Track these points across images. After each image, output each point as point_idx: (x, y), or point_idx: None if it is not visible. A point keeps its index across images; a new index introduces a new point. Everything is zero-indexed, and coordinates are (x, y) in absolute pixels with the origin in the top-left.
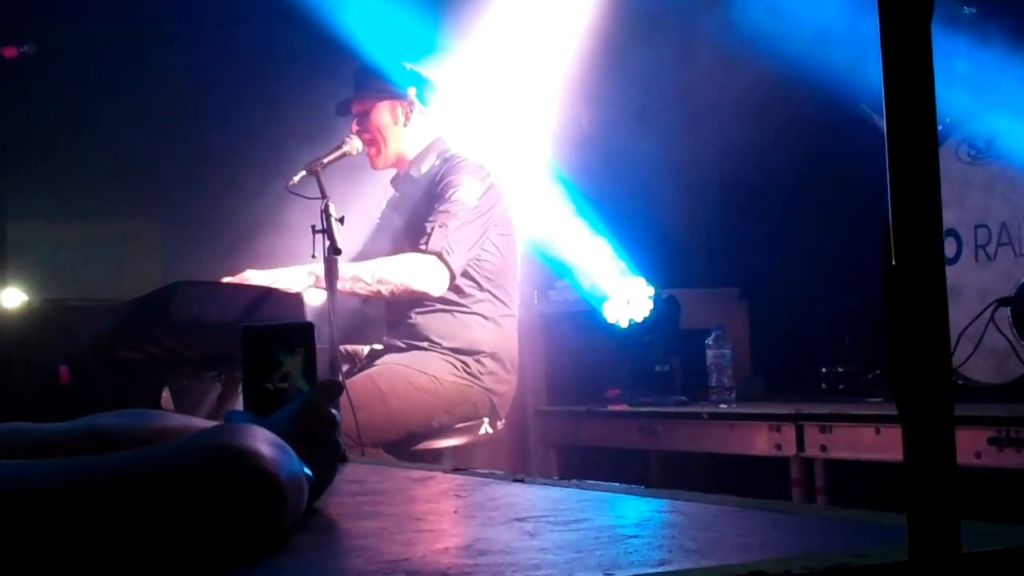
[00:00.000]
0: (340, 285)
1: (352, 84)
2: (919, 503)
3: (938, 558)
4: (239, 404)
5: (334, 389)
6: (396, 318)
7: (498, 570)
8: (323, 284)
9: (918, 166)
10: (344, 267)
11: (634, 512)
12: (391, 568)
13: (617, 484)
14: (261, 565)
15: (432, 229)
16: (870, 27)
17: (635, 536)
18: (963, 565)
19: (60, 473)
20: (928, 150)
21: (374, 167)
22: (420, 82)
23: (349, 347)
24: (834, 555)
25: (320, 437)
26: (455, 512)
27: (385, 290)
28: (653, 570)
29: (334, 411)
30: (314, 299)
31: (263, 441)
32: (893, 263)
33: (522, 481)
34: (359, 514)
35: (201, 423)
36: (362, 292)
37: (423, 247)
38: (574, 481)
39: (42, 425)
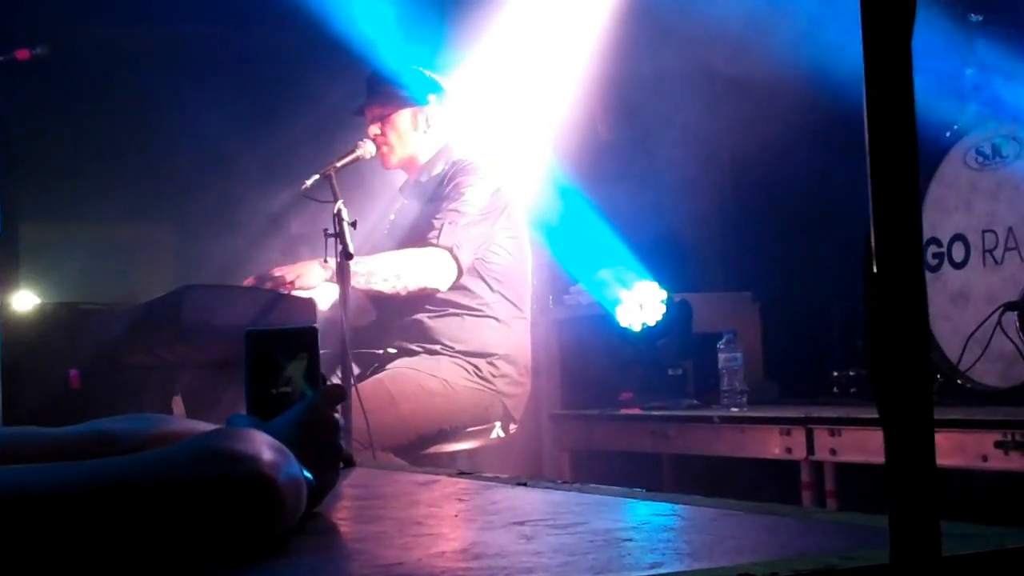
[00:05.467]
0: (356, 281)
1: (366, 88)
2: (900, 506)
3: (918, 560)
4: (243, 408)
5: (337, 394)
6: (409, 322)
7: (491, 573)
8: (336, 280)
9: (897, 176)
10: (358, 262)
11: (633, 516)
12: (386, 572)
13: (617, 487)
14: (258, 568)
15: (441, 225)
16: None
17: (630, 539)
18: (943, 567)
19: (58, 478)
20: (907, 160)
21: (386, 167)
22: (436, 88)
23: (363, 350)
24: (821, 557)
25: (322, 441)
26: (455, 516)
27: (400, 285)
28: (644, 573)
29: (337, 416)
30: (325, 302)
31: (261, 444)
32: (874, 270)
33: (525, 485)
34: (360, 518)
35: (206, 427)
36: (378, 287)
37: (434, 241)
38: (576, 485)
39: (48, 429)
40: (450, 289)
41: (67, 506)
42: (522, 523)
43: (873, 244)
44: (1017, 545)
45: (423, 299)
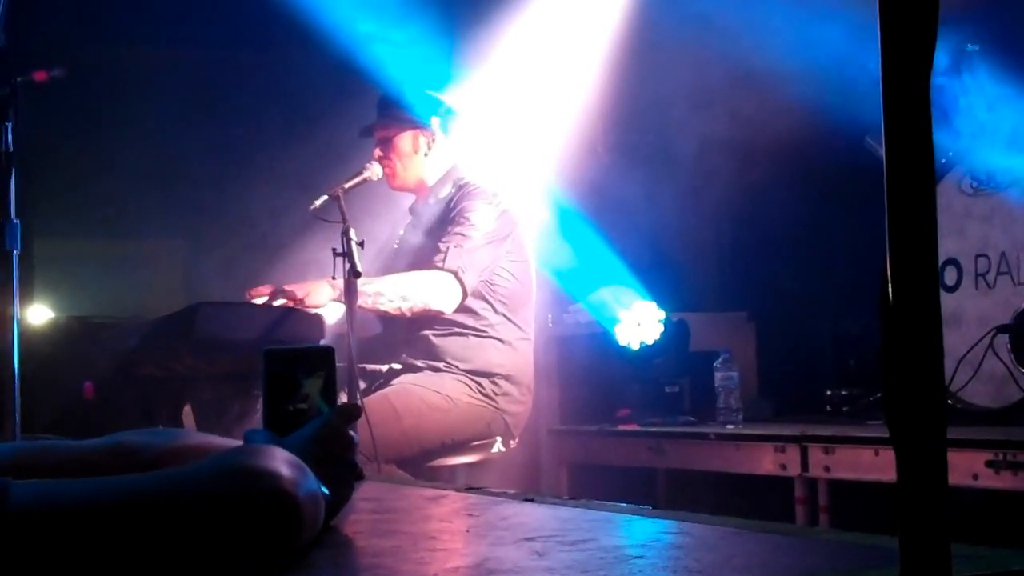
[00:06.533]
0: (363, 301)
1: (376, 109)
2: (911, 528)
3: None
4: (257, 422)
5: (353, 412)
6: (414, 338)
7: None
8: (344, 299)
9: (915, 207)
10: (366, 283)
11: (641, 533)
12: None
13: (625, 505)
14: None
15: (448, 248)
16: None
17: (640, 557)
18: None
19: (86, 493)
20: (925, 191)
21: (391, 187)
22: (443, 111)
23: (369, 366)
24: None
25: (338, 457)
26: (467, 531)
27: (405, 307)
28: None
29: (352, 433)
30: (332, 317)
31: (282, 461)
32: (890, 301)
33: (533, 501)
34: (374, 532)
35: (222, 441)
36: (384, 308)
37: (440, 264)
38: (583, 501)
39: (70, 441)
40: (456, 310)
41: (95, 521)
42: (533, 539)
43: (889, 273)
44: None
45: (429, 319)
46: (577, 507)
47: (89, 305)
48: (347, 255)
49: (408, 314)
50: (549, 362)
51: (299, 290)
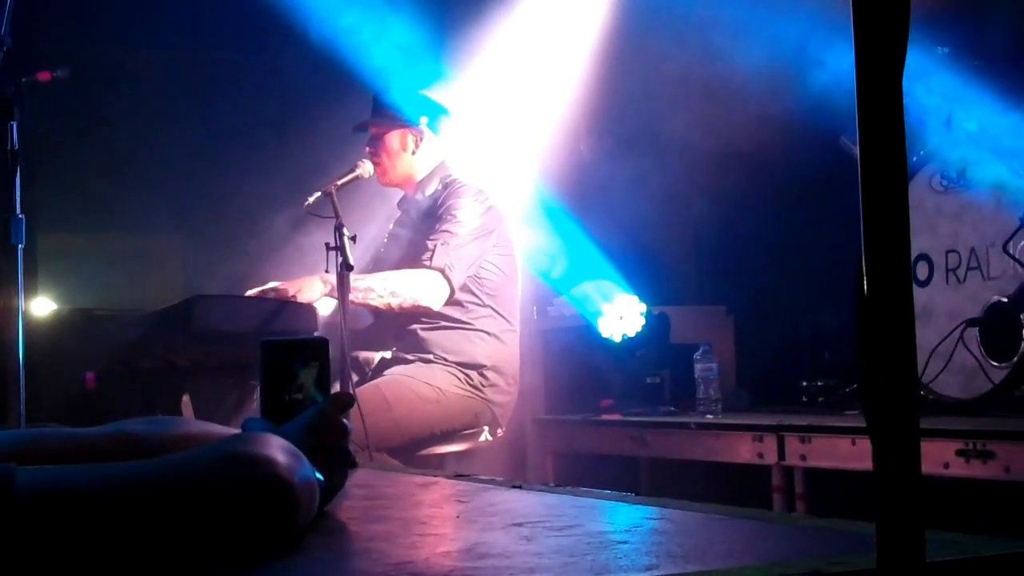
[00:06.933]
0: (353, 296)
1: (372, 106)
2: (887, 515)
3: (904, 567)
4: (254, 411)
5: (346, 401)
6: (403, 332)
7: (496, 573)
8: (336, 294)
9: (889, 204)
10: (356, 279)
11: (625, 519)
12: (396, 570)
13: (609, 491)
14: (274, 565)
15: (435, 246)
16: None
17: (625, 542)
18: (928, 573)
19: (86, 480)
20: (898, 188)
21: (380, 183)
22: (433, 111)
23: (362, 354)
24: (810, 561)
25: (332, 445)
26: (457, 517)
27: (395, 303)
28: (641, 575)
29: (345, 421)
30: (325, 310)
31: (278, 449)
32: (865, 295)
33: (520, 488)
34: (367, 518)
35: (221, 429)
36: (373, 303)
37: (427, 263)
38: (568, 488)
39: (75, 429)
40: (443, 304)
41: (98, 506)
42: (521, 524)
43: (864, 268)
44: (994, 553)
45: (417, 314)
46: (563, 494)
47: (91, 298)
48: (340, 249)
49: (396, 310)
50: (534, 353)
51: (291, 287)
